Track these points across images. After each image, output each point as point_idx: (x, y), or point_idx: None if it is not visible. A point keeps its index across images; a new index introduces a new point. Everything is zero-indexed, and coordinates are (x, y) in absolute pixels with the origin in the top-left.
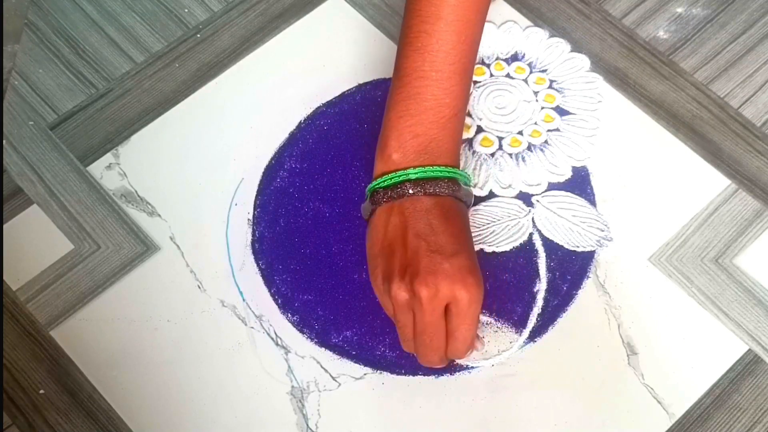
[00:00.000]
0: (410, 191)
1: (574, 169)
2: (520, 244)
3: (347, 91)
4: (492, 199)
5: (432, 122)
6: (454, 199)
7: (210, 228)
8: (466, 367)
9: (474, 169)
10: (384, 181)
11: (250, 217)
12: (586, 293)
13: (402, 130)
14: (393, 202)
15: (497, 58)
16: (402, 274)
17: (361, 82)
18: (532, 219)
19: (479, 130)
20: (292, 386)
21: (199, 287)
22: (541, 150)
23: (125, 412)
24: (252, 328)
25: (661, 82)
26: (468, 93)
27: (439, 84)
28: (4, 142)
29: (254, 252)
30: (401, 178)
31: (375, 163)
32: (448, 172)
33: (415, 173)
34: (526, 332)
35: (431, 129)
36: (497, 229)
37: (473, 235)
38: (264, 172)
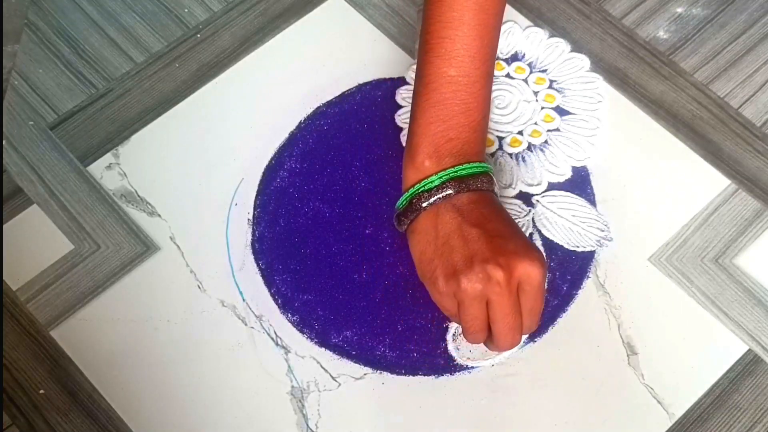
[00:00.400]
0: (451, 191)
1: (574, 169)
2: None
3: (347, 91)
4: None
5: (463, 126)
6: (492, 193)
7: (210, 228)
8: (466, 367)
9: None
10: (423, 185)
11: (250, 217)
12: (586, 293)
13: (434, 137)
14: (439, 204)
15: (497, 58)
16: (470, 265)
17: (361, 82)
18: (532, 219)
19: None
20: (292, 386)
21: (199, 287)
22: (541, 150)
23: (125, 412)
24: (252, 328)
25: (661, 82)
26: (491, 95)
27: (467, 88)
28: (4, 142)
29: (254, 252)
30: (443, 179)
31: (405, 172)
32: (483, 167)
33: (455, 171)
34: None
35: (463, 132)
36: None
37: None
38: (264, 172)
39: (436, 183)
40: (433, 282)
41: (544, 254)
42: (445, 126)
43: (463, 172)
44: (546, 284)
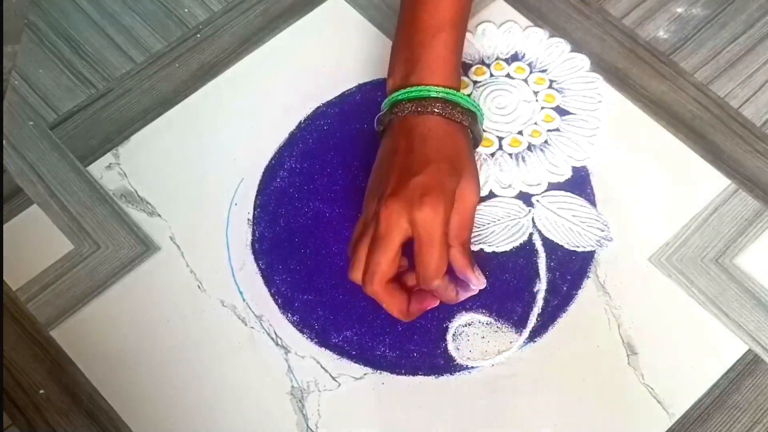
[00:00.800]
0: (396, 112)
1: (574, 169)
2: (520, 244)
3: (347, 91)
4: (492, 199)
5: (417, 44)
6: (446, 120)
7: (210, 228)
8: (466, 367)
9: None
10: (383, 106)
11: (250, 217)
12: (586, 293)
13: (394, 58)
14: (388, 126)
15: (497, 58)
16: (380, 191)
17: (361, 82)
18: (532, 219)
19: None
20: (292, 386)
21: (199, 287)
22: (541, 150)
23: (125, 412)
24: (252, 328)
25: (661, 82)
26: (458, 16)
27: (423, 6)
28: (4, 142)
29: (254, 252)
30: (391, 100)
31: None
32: (434, 91)
33: (397, 96)
34: (526, 332)
35: (416, 51)
36: (497, 229)
37: (474, 234)
38: (264, 172)
39: (387, 103)
40: (366, 193)
41: (544, 255)
42: (401, 47)
43: (399, 97)
44: (441, 233)
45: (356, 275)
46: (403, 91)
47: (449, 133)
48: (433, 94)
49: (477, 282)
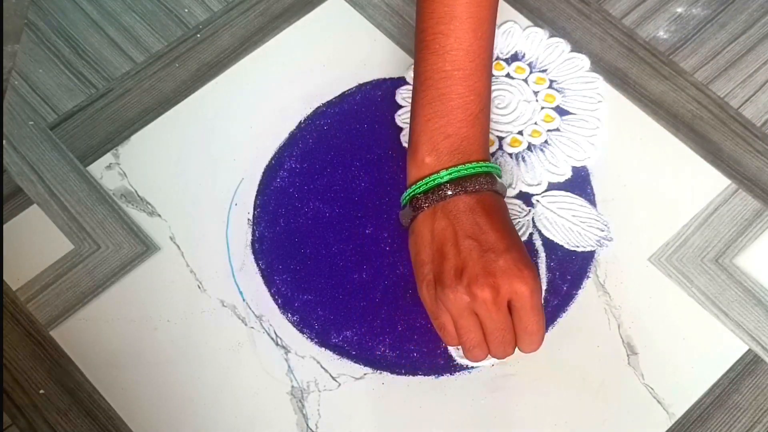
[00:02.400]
0: (449, 192)
1: (574, 169)
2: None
3: (347, 91)
4: None
5: (461, 120)
6: (494, 194)
7: (210, 228)
8: (466, 367)
9: None
10: (420, 186)
11: (250, 217)
12: (586, 293)
13: (432, 133)
14: (435, 206)
15: (497, 58)
16: (459, 277)
17: (361, 82)
18: (532, 219)
19: None
20: (292, 386)
21: (199, 287)
22: (541, 150)
23: (125, 412)
24: (252, 328)
25: (661, 82)
26: (490, 88)
27: (463, 82)
28: (4, 142)
29: (254, 252)
30: (437, 181)
31: (408, 169)
32: (484, 167)
33: (450, 173)
34: None
35: (462, 128)
36: None
37: None
38: (264, 172)
39: (432, 184)
40: (421, 286)
41: (544, 255)
42: (442, 122)
43: (462, 172)
44: (542, 300)
45: (509, 350)
46: (457, 168)
47: (502, 206)
48: (483, 170)
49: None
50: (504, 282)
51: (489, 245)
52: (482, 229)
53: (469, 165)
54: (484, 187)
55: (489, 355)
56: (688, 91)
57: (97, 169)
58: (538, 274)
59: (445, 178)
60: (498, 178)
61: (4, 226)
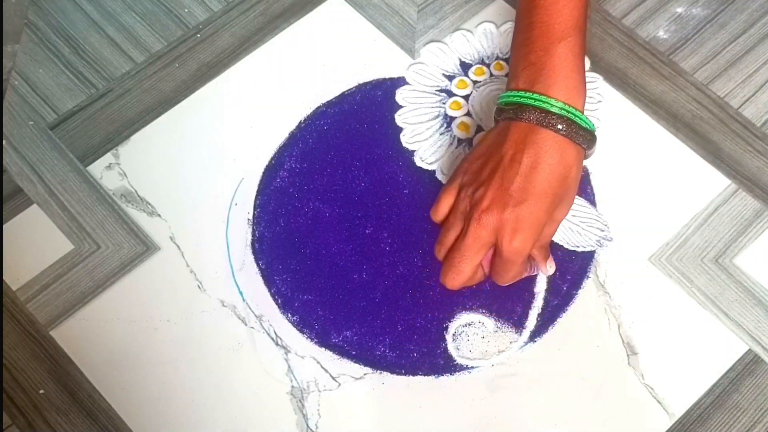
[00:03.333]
0: (522, 116)
1: None
2: None
3: (347, 91)
4: None
5: (541, 49)
6: (565, 140)
7: (210, 228)
8: (466, 367)
9: None
10: (502, 99)
11: (250, 217)
12: (586, 293)
13: (519, 60)
14: (508, 121)
15: (497, 58)
16: (476, 187)
17: (361, 82)
18: None
19: (479, 129)
20: (292, 386)
21: (199, 287)
22: None
23: (125, 412)
24: (252, 328)
25: (661, 82)
26: (581, 21)
27: (546, 9)
28: (4, 142)
29: (254, 252)
30: (513, 99)
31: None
32: (561, 108)
33: (528, 98)
34: (526, 332)
35: (541, 57)
36: None
37: None
38: (264, 172)
39: (511, 100)
40: (456, 170)
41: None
42: (526, 50)
43: (533, 102)
44: (525, 261)
45: (455, 279)
46: (529, 94)
47: (564, 158)
48: (556, 111)
49: (546, 272)
50: (492, 226)
51: (512, 185)
52: (521, 165)
53: (547, 98)
54: (559, 126)
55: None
56: (688, 91)
57: (97, 169)
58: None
59: (524, 101)
60: (581, 126)
61: (4, 226)
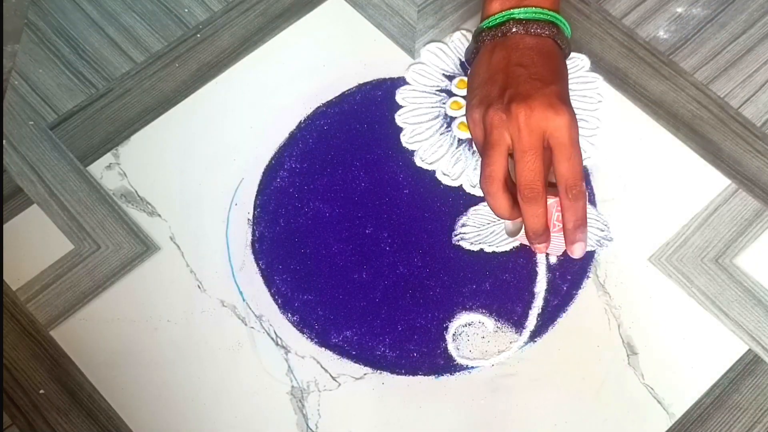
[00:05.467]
0: (514, 29)
1: None
2: (521, 244)
3: (347, 91)
4: None
5: None
6: (555, 43)
7: (210, 228)
8: (466, 367)
9: (474, 168)
10: (489, 22)
11: (250, 217)
12: (586, 293)
13: None
14: (495, 40)
15: None
16: (501, 96)
17: (361, 82)
18: None
19: None
20: (292, 386)
21: (199, 287)
22: None
23: (125, 412)
24: (252, 328)
25: (661, 82)
26: None
27: None
28: (4, 142)
29: (254, 252)
30: (505, 18)
31: (482, 10)
32: (550, 15)
33: (520, 13)
34: (526, 332)
35: None
36: (497, 229)
37: (473, 234)
38: (264, 172)
39: (494, 22)
40: (469, 107)
41: (545, 254)
42: None
43: (526, 15)
44: (578, 139)
45: (537, 184)
46: (520, 9)
47: (561, 58)
48: (549, 18)
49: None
50: (540, 108)
51: (537, 75)
52: (534, 62)
53: (537, 9)
54: (546, 32)
55: (522, 215)
56: (688, 91)
57: (97, 169)
58: (574, 118)
59: (515, 16)
60: (564, 32)
61: (4, 226)
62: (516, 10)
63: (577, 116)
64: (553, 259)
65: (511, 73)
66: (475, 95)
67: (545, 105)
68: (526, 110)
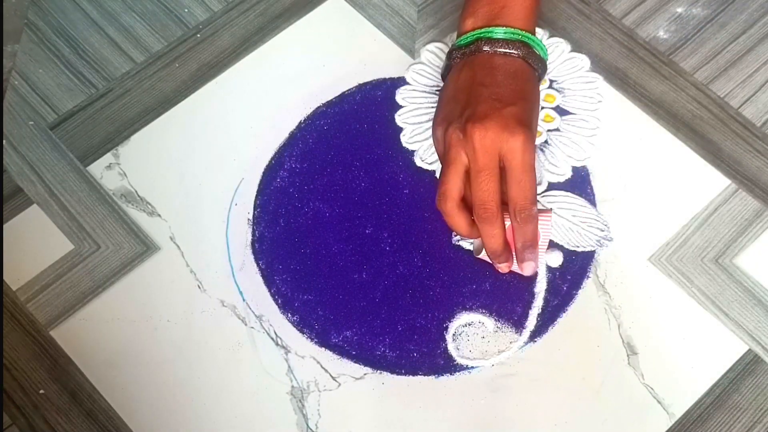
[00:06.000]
0: (484, 48)
1: (574, 169)
2: None
3: (347, 91)
4: None
5: None
6: (526, 64)
7: (210, 228)
8: (466, 367)
9: None
10: (461, 40)
11: (250, 217)
12: (586, 293)
13: (474, 2)
14: (466, 59)
15: None
16: (461, 115)
17: (361, 82)
18: None
19: None
20: (292, 386)
21: (199, 287)
22: (542, 150)
23: (125, 412)
24: (252, 328)
25: (661, 82)
26: None
27: None
28: (4, 142)
29: (254, 252)
30: (476, 36)
31: (457, 28)
32: (521, 35)
33: (490, 32)
34: (526, 332)
35: None
36: None
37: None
38: (264, 172)
39: (465, 41)
40: (433, 124)
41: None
42: None
43: (491, 35)
44: (534, 162)
45: (491, 205)
46: (490, 29)
47: (531, 79)
48: (521, 38)
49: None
50: (494, 129)
51: (498, 95)
52: (497, 81)
53: (507, 29)
54: (515, 52)
55: (481, 234)
56: (688, 91)
57: (97, 169)
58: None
59: (482, 35)
60: (537, 53)
61: (4, 226)
62: (487, 29)
63: (577, 116)
64: (554, 264)
65: (474, 92)
66: (439, 113)
67: (500, 126)
68: (481, 131)
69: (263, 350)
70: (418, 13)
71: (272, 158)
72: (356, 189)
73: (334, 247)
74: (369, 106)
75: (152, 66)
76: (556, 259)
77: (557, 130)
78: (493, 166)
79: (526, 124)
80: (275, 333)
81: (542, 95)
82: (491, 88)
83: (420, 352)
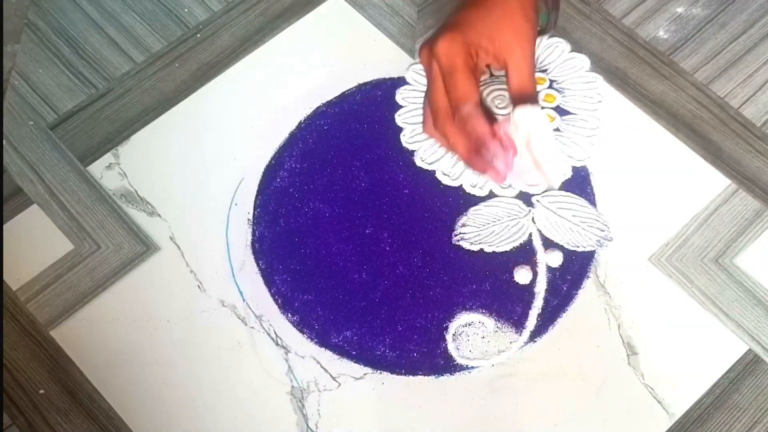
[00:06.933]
0: None
1: (574, 169)
2: (520, 244)
3: (347, 91)
4: (492, 199)
5: None
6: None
7: (210, 228)
8: (466, 367)
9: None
10: None
11: (250, 217)
12: (586, 293)
13: None
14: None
15: None
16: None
17: (361, 82)
18: (532, 219)
19: None
20: (292, 386)
21: (199, 287)
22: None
23: (125, 412)
24: (252, 328)
25: (661, 82)
26: None
27: None
28: (4, 142)
29: (254, 252)
30: None
31: None
32: None
33: None
34: (526, 332)
35: None
36: (497, 229)
37: (473, 234)
38: (264, 172)
39: None
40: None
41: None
42: None
43: None
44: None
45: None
46: None
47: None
48: None
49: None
50: (451, 32)
51: (463, 19)
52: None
53: None
54: None
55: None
56: (688, 91)
57: (97, 169)
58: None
59: None
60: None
61: (4, 226)
62: None
63: (577, 116)
64: (554, 264)
65: (452, 15)
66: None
67: (451, 28)
68: (442, 38)
69: (263, 350)
70: (418, 13)
71: (272, 158)
72: (356, 189)
73: (334, 247)
74: (369, 106)
75: (152, 66)
76: (556, 259)
77: (557, 130)
78: (459, 66)
79: (451, 28)
80: (275, 333)
81: (542, 95)
82: (471, 9)
83: (420, 352)
